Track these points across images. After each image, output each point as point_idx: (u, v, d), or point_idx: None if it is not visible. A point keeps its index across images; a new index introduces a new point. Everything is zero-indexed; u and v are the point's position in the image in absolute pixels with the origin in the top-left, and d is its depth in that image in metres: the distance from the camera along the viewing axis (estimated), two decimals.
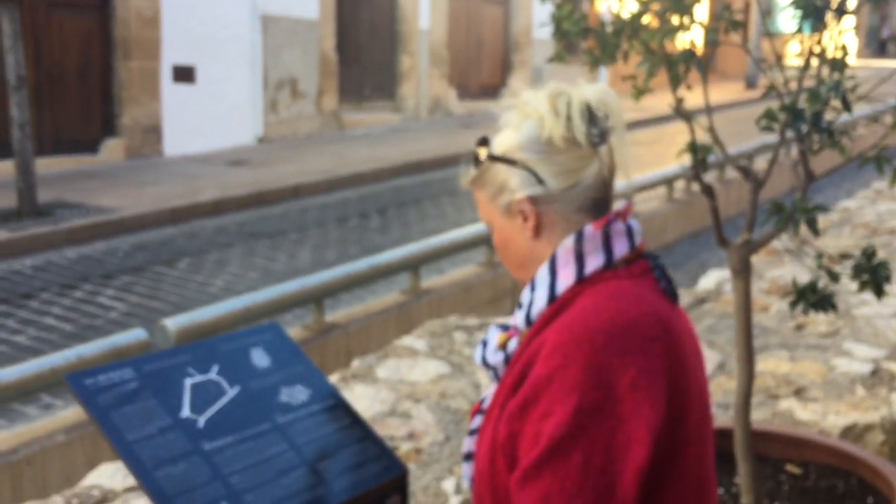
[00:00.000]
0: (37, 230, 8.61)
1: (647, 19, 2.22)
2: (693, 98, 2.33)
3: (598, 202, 1.29)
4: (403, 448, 3.12)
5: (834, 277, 2.18)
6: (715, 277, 5.33)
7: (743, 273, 2.28)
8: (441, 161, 12.83)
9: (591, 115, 1.26)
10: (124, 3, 12.04)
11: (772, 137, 2.16)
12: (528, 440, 1.16)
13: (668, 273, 1.31)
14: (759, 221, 2.27)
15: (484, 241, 6.90)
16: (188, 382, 1.44)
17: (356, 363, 3.96)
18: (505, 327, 1.39)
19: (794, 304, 2.21)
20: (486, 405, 1.36)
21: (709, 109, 2.34)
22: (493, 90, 19.10)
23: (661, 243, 9.74)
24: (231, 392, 1.46)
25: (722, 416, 3.28)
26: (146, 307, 6.96)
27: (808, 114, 2.04)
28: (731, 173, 10.96)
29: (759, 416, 3.30)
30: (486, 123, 1.36)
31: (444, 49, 17.93)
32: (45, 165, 10.73)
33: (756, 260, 5.41)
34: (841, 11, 2.06)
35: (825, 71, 2.12)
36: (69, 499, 2.76)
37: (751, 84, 24.48)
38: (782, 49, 2.47)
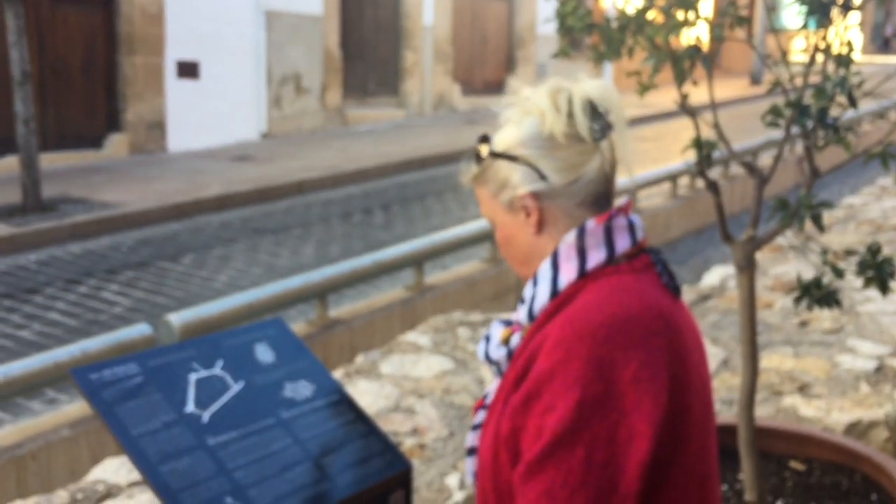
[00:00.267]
0: (41, 225, 8.62)
1: (652, 15, 2.21)
2: (698, 94, 2.33)
3: (600, 197, 1.29)
4: (407, 444, 3.13)
5: (838, 274, 2.17)
6: (719, 274, 5.32)
7: (747, 269, 2.28)
8: (445, 157, 12.83)
9: (592, 110, 1.26)
10: None
11: (777, 133, 2.16)
12: (531, 435, 1.16)
13: (670, 268, 1.31)
14: (763, 218, 2.26)
15: (487, 237, 6.90)
16: (193, 377, 1.44)
17: (360, 359, 3.97)
18: (508, 323, 1.39)
19: (798, 301, 2.21)
20: (489, 400, 1.37)
21: (714, 105, 2.33)
22: (496, 86, 19.09)
23: (665, 240, 9.73)
24: (235, 387, 1.46)
25: (726, 413, 3.28)
26: (150, 302, 6.97)
27: (813, 110, 2.04)
28: (736, 169, 10.94)
29: (763, 413, 3.30)
30: (490, 119, 1.36)
31: (447, 45, 17.92)
32: (50, 161, 10.75)
33: (760, 256, 5.41)
34: (846, 7, 2.05)
35: (831, 67, 2.11)
36: (74, 493, 2.77)
37: (755, 80, 24.43)
38: (787, 45, 2.46)
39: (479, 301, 6.87)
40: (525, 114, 1.30)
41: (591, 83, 1.29)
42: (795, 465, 2.75)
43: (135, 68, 12.25)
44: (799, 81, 2.14)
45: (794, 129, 2.13)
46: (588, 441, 1.12)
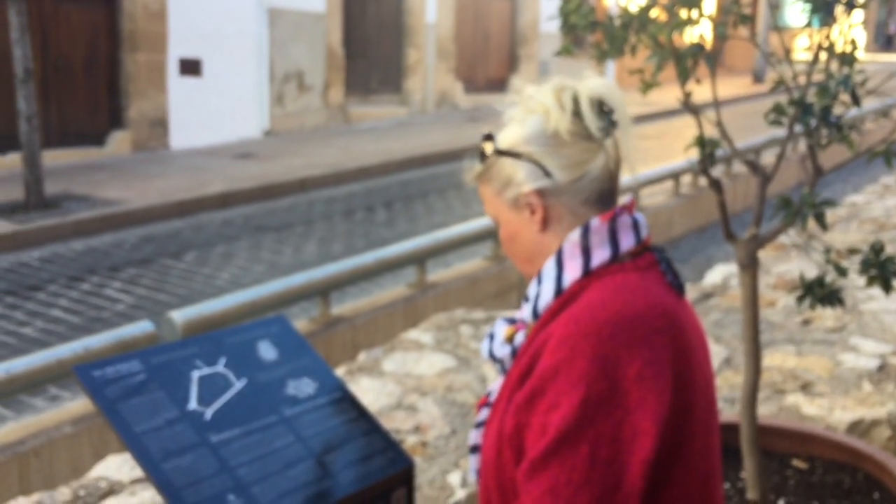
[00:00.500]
0: (44, 222, 8.63)
1: (655, 13, 2.21)
2: (701, 92, 2.33)
3: (605, 195, 1.29)
4: (409, 441, 3.13)
5: (841, 272, 2.17)
6: (722, 272, 5.32)
7: (750, 268, 2.27)
8: (448, 155, 12.82)
9: (596, 108, 1.26)
10: None
11: (780, 132, 2.16)
12: (535, 432, 1.16)
13: (674, 266, 1.31)
14: (766, 216, 2.26)
15: (490, 234, 6.90)
16: (195, 375, 1.44)
17: (362, 356, 3.97)
18: (512, 320, 1.39)
19: (801, 299, 2.20)
20: (492, 398, 1.37)
21: (717, 103, 2.33)
22: (499, 84, 19.08)
23: (668, 238, 9.72)
24: (238, 384, 1.46)
25: (728, 411, 3.28)
26: (153, 299, 6.98)
27: (816, 108, 2.04)
28: (739, 168, 10.93)
29: (766, 411, 3.30)
30: (493, 117, 1.36)
31: (450, 42, 17.91)
32: (52, 158, 10.76)
33: (763, 255, 5.40)
34: (850, 5, 2.05)
35: (834, 65, 2.11)
36: (76, 490, 2.77)
37: (758, 78, 24.39)
38: (791, 43, 2.46)
39: (482, 299, 6.87)
40: (529, 112, 1.30)
41: (595, 81, 1.29)
42: (798, 463, 2.75)
43: (137, 65, 12.26)
44: (802, 80, 2.13)
45: (798, 128, 2.12)
46: (592, 439, 1.12)
